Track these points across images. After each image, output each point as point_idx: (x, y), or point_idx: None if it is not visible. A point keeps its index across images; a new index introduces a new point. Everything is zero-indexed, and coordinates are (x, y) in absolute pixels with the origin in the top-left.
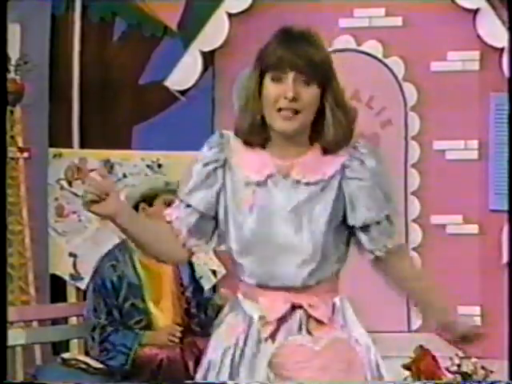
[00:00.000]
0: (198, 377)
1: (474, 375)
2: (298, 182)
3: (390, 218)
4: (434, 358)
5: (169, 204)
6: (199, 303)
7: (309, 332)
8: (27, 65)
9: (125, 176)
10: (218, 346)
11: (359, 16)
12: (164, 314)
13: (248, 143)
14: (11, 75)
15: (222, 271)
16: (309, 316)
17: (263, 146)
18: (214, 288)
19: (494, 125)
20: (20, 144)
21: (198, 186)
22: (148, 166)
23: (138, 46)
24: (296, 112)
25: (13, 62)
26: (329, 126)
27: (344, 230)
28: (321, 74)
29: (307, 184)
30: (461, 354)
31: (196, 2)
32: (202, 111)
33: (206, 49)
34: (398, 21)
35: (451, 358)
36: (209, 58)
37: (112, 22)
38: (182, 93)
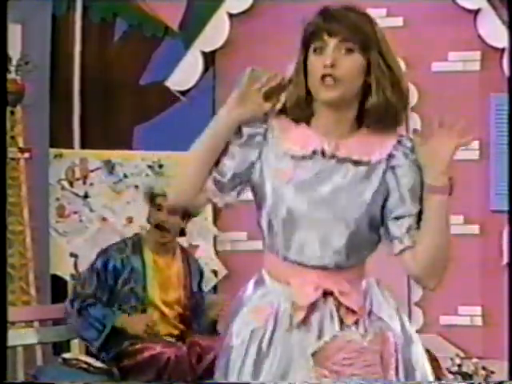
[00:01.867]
0: (220, 364)
1: (475, 375)
2: (343, 160)
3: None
4: (434, 358)
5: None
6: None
7: (341, 319)
8: (28, 65)
9: (126, 176)
10: (243, 328)
11: None
12: (170, 311)
13: (294, 119)
14: (12, 75)
15: (222, 271)
16: (340, 303)
17: (308, 123)
18: (215, 288)
19: (494, 125)
20: (21, 144)
21: (234, 152)
22: (149, 167)
23: (138, 47)
24: (337, 80)
25: (13, 62)
26: (373, 94)
27: (379, 219)
28: (364, 39)
29: (355, 163)
30: (462, 354)
31: (197, 2)
32: (202, 112)
33: (207, 49)
34: (398, 21)
35: (452, 359)
36: (210, 58)
37: (113, 22)
38: (183, 93)
